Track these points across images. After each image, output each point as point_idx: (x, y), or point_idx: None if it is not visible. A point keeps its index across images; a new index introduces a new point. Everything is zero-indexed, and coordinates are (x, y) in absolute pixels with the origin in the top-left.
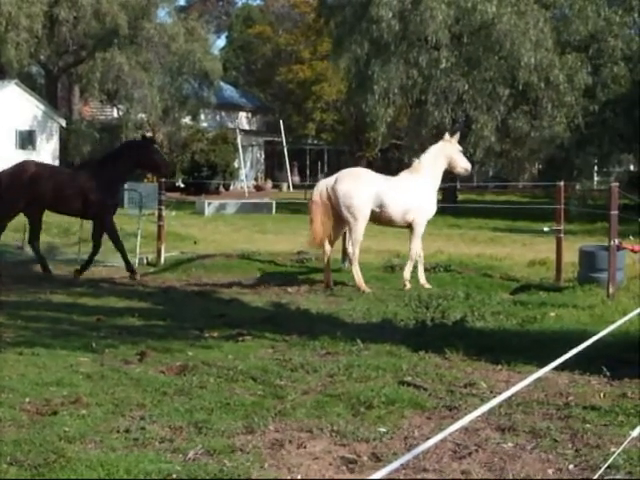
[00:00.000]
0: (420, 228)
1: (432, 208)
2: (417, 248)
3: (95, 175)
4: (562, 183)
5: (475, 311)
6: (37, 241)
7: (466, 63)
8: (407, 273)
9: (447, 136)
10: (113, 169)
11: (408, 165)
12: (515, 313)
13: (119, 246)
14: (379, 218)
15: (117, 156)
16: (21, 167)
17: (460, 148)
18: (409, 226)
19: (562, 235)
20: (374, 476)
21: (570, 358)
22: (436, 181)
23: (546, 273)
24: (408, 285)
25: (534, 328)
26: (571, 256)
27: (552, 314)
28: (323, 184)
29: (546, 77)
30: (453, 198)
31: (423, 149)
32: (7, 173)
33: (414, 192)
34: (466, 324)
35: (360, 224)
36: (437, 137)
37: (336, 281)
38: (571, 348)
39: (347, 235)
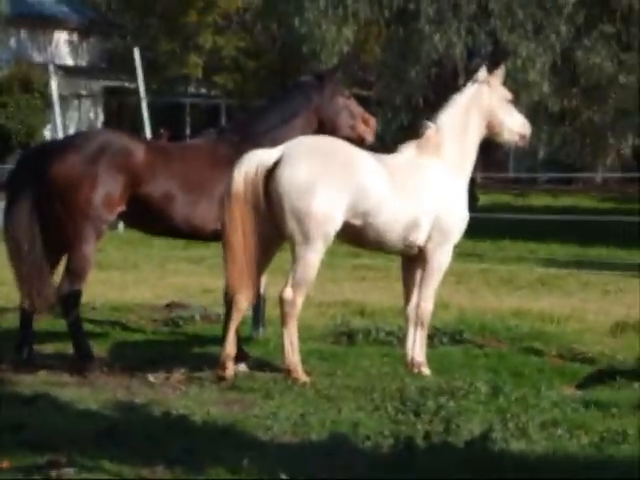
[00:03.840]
0: (441, 258)
1: (463, 217)
2: (432, 298)
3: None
4: None
5: (509, 420)
6: None
7: None
8: (419, 349)
9: (483, 72)
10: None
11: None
12: (586, 424)
13: None
14: (360, 236)
15: (289, 111)
16: (114, 144)
17: (508, 95)
18: (419, 254)
19: None
20: None
21: None
22: (467, 163)
23: None
24: (426, 370)
25: (622, 453)
26: None
27: None
28: (253, 163)
29: None
30: (470, 201)
31: (410, 105)
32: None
33: (429, 187)
34: (492, 446)
35: (316, 249)
36: (438, 83)
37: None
38: None
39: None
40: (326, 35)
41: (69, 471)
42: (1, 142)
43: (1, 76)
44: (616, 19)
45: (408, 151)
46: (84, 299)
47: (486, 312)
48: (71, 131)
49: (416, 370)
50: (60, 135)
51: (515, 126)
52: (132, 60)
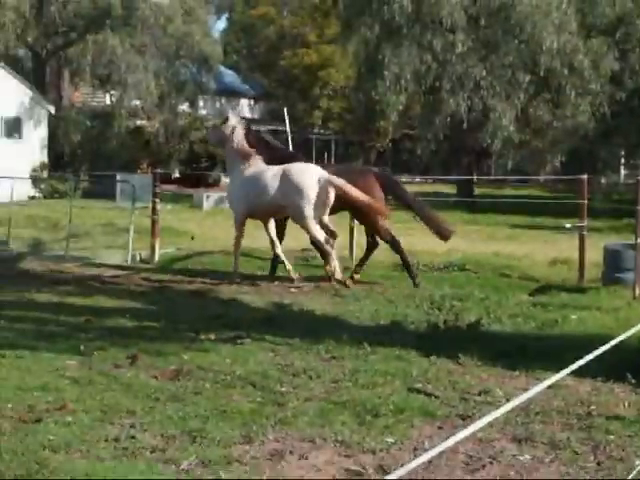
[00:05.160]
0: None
1: None
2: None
3: None
4: (586, 176)
5: (491, 313)
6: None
7: (484, 47)
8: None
9: None
10: None
11: (420, 157)
12: (534, 316)
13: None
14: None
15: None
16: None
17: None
18: None
19: (585, 232)
20: None
21: (593, 364)
22: None
23: (568, 273)
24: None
25: (554, 332)
26: (595, 255)
27: (574, 317)
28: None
29: (570, 62)
30: (469, 192)
31: (437, 139)
32: None
33: None
34: (481, 327)
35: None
36: (452, 126)
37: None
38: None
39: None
40: (390, 100)
41: (247, 340)
42: (211, 160)
43: (211, 124)
44: (551, 91)
45: None
46: (258, 246)
47: (478, 254)
48: None
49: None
50: None
51: None
52: (282, 114)
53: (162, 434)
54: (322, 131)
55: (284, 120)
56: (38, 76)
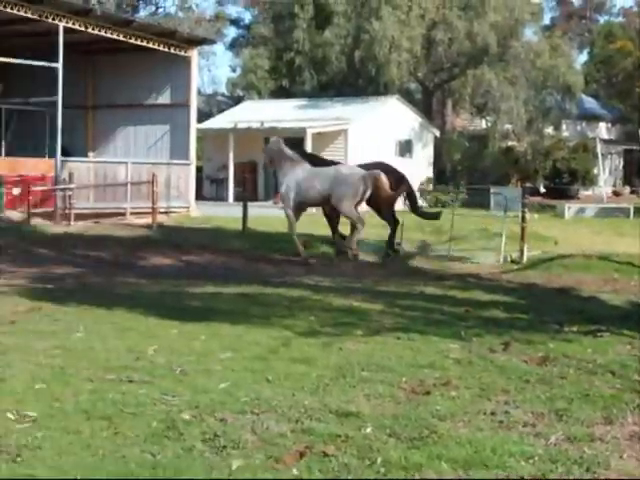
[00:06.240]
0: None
1: None
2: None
3: None
4: None
5: None
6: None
7: None
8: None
9: None
10: None
11: None
12: None
13: None
14: None
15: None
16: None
17: None
18: None
19: None
20: None
21: None
22: None
23: None
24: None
25: None
26: None
27: None
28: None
29: None
30: None
31: None
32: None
33: None
34: None
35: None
36: None
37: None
38: None
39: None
40: None
41: (606, 334)
42: (571, 176)
43: (572, 144)
44: None
45: None
46: (614, 251)
47: None
48: (607, 171)
49: None
50: (601, 173)
51: None
52: (638, 136)
53: (532, 411)
54: None
55: (638, 140)
56: (425, 105)
